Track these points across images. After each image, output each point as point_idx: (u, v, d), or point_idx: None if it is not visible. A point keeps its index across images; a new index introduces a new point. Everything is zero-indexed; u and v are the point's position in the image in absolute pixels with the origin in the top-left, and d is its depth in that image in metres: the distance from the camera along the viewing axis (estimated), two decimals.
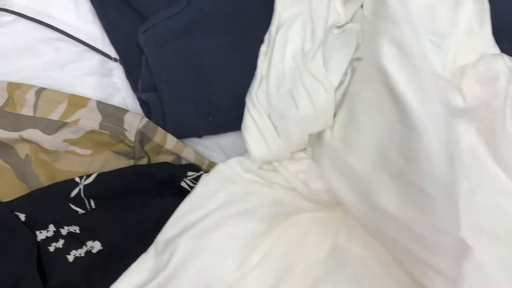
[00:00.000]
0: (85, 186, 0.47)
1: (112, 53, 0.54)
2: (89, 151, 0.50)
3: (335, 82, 0.49)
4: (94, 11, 0.54)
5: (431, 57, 0.43)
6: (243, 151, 0.54)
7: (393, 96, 0.42)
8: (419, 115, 0.40)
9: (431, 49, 0.44)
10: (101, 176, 0.48)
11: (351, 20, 0.54)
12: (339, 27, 0.54)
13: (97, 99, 0.51)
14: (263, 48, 0.53)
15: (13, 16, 0.53)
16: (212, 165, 0.52)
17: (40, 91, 0.49)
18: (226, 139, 0.56)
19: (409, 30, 0.42)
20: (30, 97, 0.49)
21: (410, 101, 0.40)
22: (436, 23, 0.46)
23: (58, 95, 0.49)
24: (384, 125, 0.43)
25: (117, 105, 0.52)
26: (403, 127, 0.42)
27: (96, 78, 0.53)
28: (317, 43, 0.51)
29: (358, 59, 0.52)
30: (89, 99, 0.50)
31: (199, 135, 0.54)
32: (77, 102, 0.49)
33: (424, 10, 0.45)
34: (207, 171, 0.51)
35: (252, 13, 0.55)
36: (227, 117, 0.53)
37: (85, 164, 0.50)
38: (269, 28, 0.53)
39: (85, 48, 0.53)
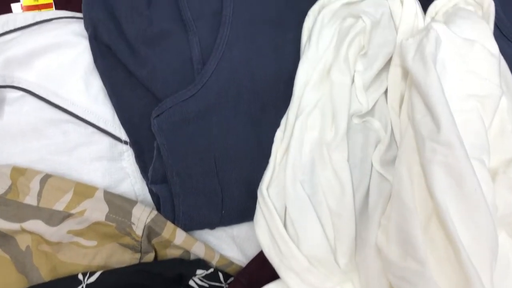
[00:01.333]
0: (87, 285, 0.46)
1: (123, 135, 0.53)
2: (93, 243, 0.49)
3: (356, 183, 0.48)
4: (105, 91, 0.53)
5: (483, 185, 0.41)
6: (257, 243, 0.52)
7: (444, 228, 0.40)
8: (472, 266, 0.38)
9: (481, 173, 0.42)
10: (105, 275, 0.46)
11: (372, 109, 0.53)
12: (360, 116, 0.52)
13: (105, 185, 0.50)
14: (279, 134, 0.52)
15: (20, 93, 0.52)
16: (223, 260, 0.51)
17: (45, 178, 0.48)
18: (238, 230, 0.54)
19: (464, 157, 0.40)
20: (35, 185, 0.48)
21: (464, 247, 0.39)
22: (481, 138, 0.44)
23: (63, 184, 0.48)
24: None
25: (125, 191, 0.51)
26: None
27: (104, 162, 0.52)
28: (340, 133, 0.49)
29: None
30: (96, 188, 0.49)
31: (211, 228, 0.52)
32: (83, 191, 0.48)
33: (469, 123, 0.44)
34: (217, 268, 0.49)
35: (269, 94, 0.54)
36: (241, 208, 0.51)
37: (89, 256, 0.48)
38: (287, 112, 0.52)
39: (94, 130, 0.52)
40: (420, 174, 0.44)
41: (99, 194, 0.48)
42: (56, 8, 0.56)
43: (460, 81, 0.49)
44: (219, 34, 0.55)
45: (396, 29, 0.54)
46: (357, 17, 0.53)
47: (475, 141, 0.45)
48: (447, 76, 0.49)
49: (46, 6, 0.56)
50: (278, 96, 0.54)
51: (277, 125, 0.52)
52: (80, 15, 0.55)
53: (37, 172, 0.49)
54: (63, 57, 0.52)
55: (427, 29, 0.49)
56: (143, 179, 0.53)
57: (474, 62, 0.50)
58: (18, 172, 0.48)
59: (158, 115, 0.51)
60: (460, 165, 0.40)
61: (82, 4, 0.53)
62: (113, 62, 0.53)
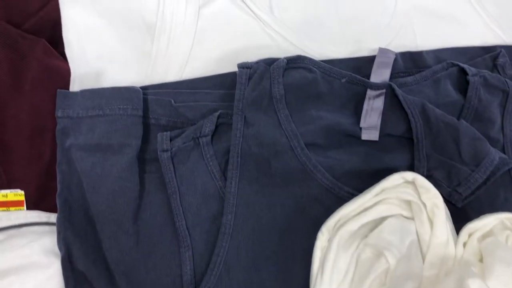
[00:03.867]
0: None
1: None
2: None
3: None
4: None
5: None
6: None
7: None
8: None
9: None
10: None
11: None
12: None
13: None
14: None
15: None
16: None
17: None
18: None
19: None
20: None
21: None
22: None
23: None
24: None
25: None
26: None
27: None
28: None
29: None
30: None
31: None
32: None
33: None
34: None
35: None
36: None
37: None
38: None
39: None
40: None
41: None
42: (28, 207, 0.51)
43: None
44: (217, 249, 0.51)
45: (423, 256, 0.49)
46: (379, 251, 0.48)
47: None
48: None
49: (16, 204, 0.50)
50: None
51: None
52: (55, 217, 0.50)
53: None
54: (29, 283, 0.47)
55: None
56: None
57: None
58: None
59: None
60: None
61: (56, 220, 0.48)
62: None
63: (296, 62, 0.55)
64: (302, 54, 0.58)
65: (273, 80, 0.53)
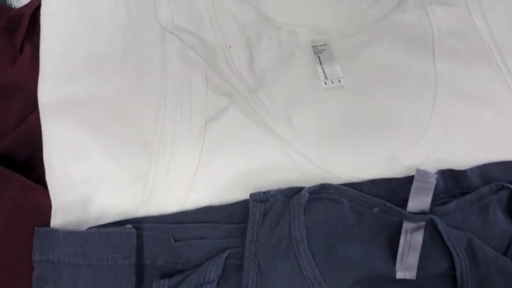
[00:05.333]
0: None
1: None
2: None
3: None
4: None
5: None
6: None
7: None
8: None
9: None
10: None
11: None
12: None
13: None
14: None
15: None
16: None
17: None
18: None
19: None
20: None
21: None
22: None
23: None
24: None
25: None
26: None
27: None
28: None
29: None
30: None
31: None
32: None
33: None
34: None
35: None
36: None
37: None
38: None
39: None
40: None
41: None
42: None
43: None
44: None
45: None
46: None
47: None
48: None
49: None
50: None
51: None
52: None
53: None
54: None
55: None
56: None
57: None
58: None
59: None
60: None
61: None
62: None
63: (320, 193, 0.47)
64: (326, 174, 0.50)
65: (293, 219, 0.45)
